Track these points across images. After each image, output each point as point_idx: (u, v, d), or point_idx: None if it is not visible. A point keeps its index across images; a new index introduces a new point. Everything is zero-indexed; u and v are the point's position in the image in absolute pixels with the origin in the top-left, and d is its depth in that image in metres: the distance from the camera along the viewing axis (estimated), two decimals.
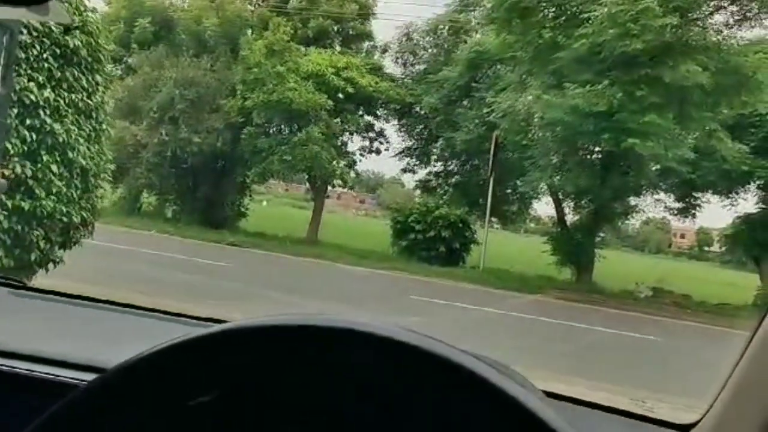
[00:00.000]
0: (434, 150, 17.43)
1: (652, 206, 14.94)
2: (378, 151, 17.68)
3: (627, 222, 15.83)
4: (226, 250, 12.65)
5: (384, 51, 17.96)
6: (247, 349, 0.45)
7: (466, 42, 15.76)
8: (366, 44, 18.03)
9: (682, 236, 36.64)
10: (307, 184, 18.71)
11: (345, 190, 32.52)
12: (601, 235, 14.11)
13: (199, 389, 0.43)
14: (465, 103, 15.33)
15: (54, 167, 4.06)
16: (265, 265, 11.87)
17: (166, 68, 15.48)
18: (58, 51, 4.14)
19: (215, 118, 15.05)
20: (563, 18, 11.68)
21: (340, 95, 15.63)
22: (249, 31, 16.05)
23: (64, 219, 4.33)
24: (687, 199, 14.83)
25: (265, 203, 33.02)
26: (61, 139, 4.12)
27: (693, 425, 0.90)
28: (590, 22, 10.78)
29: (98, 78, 4.58)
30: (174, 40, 16.43)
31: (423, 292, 10.07)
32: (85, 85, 4.39)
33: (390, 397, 0.44)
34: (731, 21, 11.51)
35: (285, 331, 0.44)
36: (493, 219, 18.41)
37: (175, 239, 13.27)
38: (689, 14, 11.02)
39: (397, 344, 0.42)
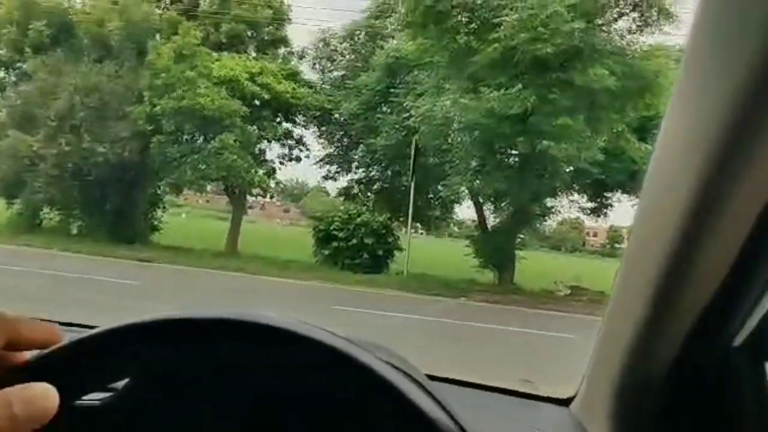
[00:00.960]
0: (355, 156, 17.23)
1: (567, 207, 15.39)
2: (298, 159, 17.28)
3: (544, 223, 16.22)
4: (135, 266, 11.85)
5: (301, 57, 17.60)
6: (157, 341, 0.48)
7: (383, 48, 15.69)
8: (282, 50, 17.59)
9: (595, 235, 38.30)
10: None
11: (267, 199, 31.83)
12: (521, 236, 14.36)
13: (110, 377, 0.47)
14: (384, 108, 15.21)
15: None
16: (178, 280, 11.19)
17: (65, 74, 14.43)
18: None
19: (121, 126, 14.14)
20: (477, 23, 11.78)
21: (256, 102, 15.14)
22: (157, 35, 15.25)
23: None
24: (599, 199, 15.36)
25: (184, 215, 31.71)
26: None
27: (572, 399, 1.04)
28: (502, 26, 10.92)
29: None
30: (74, 44, 15.36)
31: (346, 302, 9.81)
32: None
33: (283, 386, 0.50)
34: (633, 27, 12.02)
35: (191, 324, 0.47)
36: (417, 224, 18.49)
37: (78, 256, 12.32)
38: (595, 19, 11.39)
39: (280, 332, 0.46)
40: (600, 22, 11.78)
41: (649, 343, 0.64)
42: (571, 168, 12.31)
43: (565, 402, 1.07)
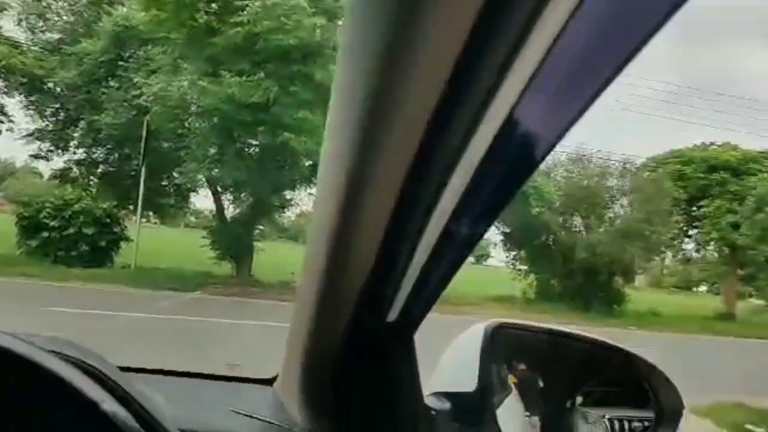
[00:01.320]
0: (74, 134, 15.11)
1: (306, 199, 15.75)
2: None
3: (283, 214, 16.38)
4: None
5: (1, 9, 14.68)
6: None
7: (110, 14, 13.97)
8: None
9: None
10: None
11: None
12: (260, 227, 14.24)
13: None
14: (111, 82, 13.59)
15: None
16: None
17: None
18: None
19: None
20: (219, 2, 11.24)
21: None
22: None
23: None
24: None
25: None
26: None
27: (275, 378, 1.12)
28: (245, 11, 10.60)
29: None
30: None
31: (57, 301, 8.49)
32: None
33: None
34: None
35: None
36: (149, 213, 17.08)
37: None
38: (336, 19, 11.79)
39: None
40: (340, 22, 12.25)
41: (322, 324, 0.72)
42: (310, 162, 12.59)
43: (269, 382, 1.14)
